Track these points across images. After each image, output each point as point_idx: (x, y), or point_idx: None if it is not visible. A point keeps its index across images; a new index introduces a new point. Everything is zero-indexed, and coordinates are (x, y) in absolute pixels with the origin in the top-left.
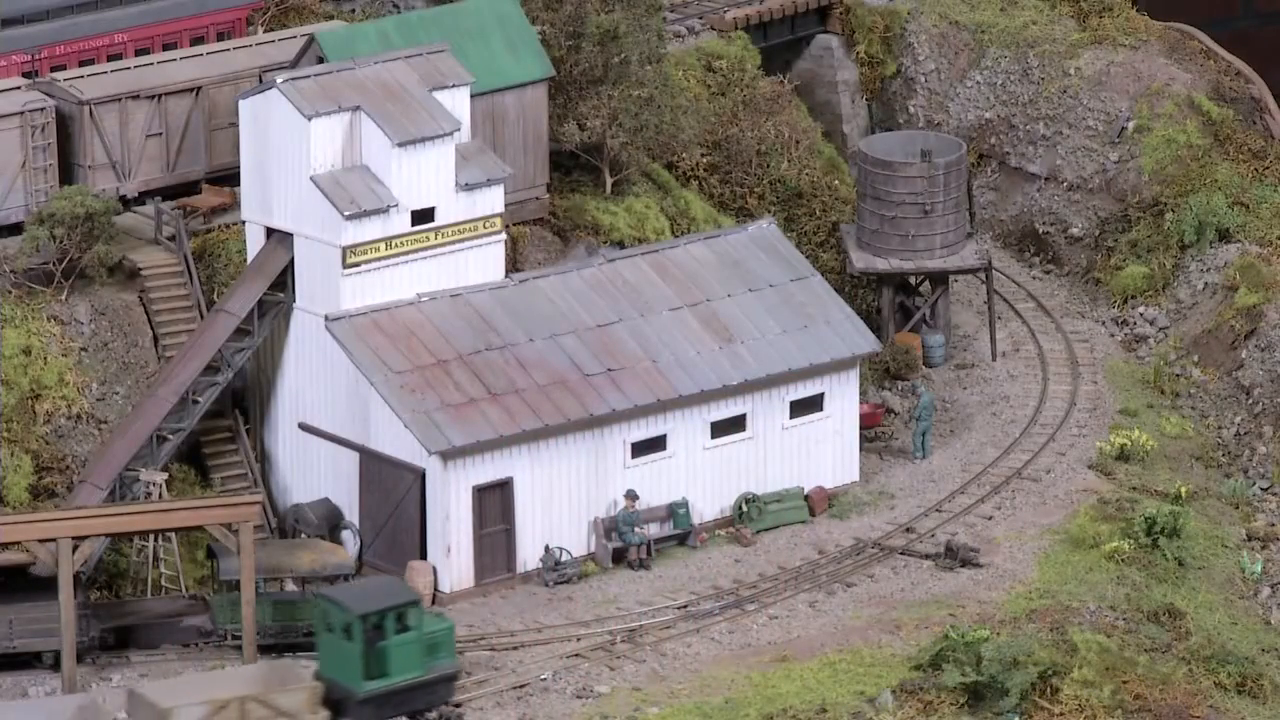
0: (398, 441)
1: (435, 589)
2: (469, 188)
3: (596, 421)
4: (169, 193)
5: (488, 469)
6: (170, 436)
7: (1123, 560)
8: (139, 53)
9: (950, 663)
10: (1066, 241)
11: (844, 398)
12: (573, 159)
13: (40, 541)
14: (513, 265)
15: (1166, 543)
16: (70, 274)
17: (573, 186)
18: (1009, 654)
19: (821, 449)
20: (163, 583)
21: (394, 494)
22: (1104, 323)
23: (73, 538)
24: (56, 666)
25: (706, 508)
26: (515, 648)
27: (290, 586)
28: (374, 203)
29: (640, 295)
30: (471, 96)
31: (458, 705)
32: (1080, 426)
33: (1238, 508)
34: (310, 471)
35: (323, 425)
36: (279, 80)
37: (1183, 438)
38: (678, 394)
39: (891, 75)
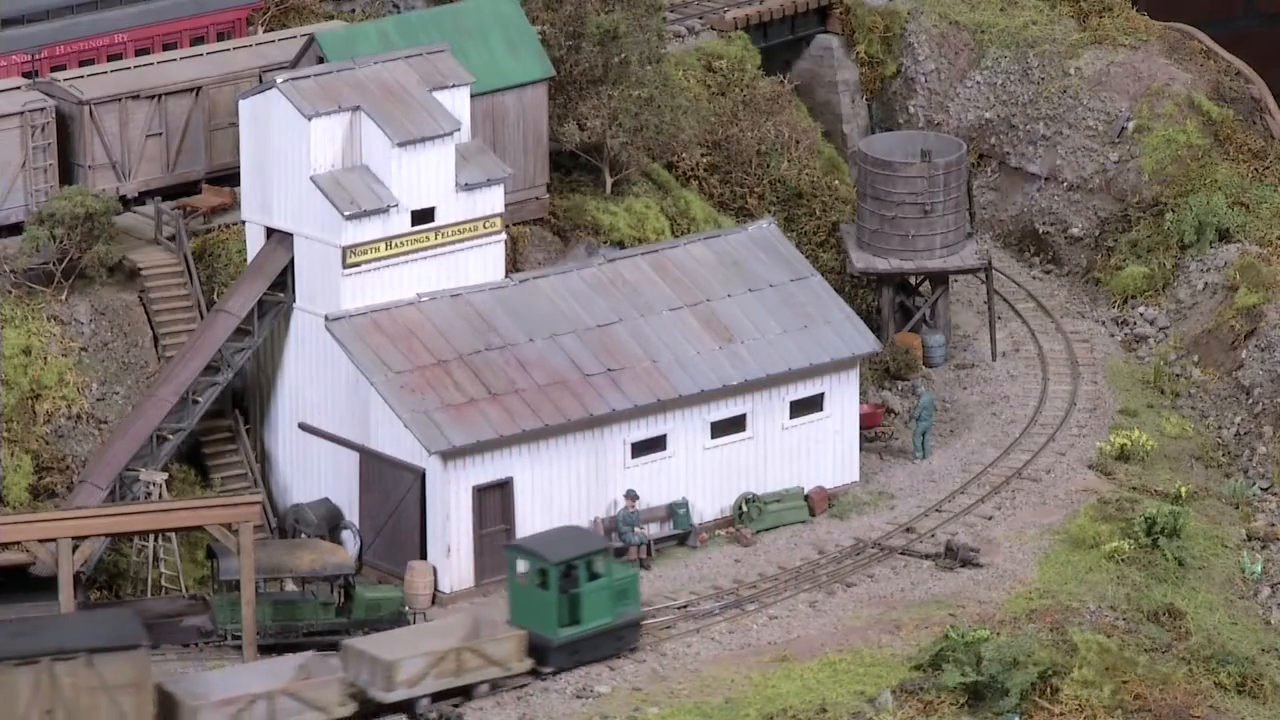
0: (398, 441)
1: (435, 589)
2: (469, 188)
3: (596, 421)
4: (169, 193)
5: (488, 469)
6: (170, 436)
7: (1123, 560)
8: (139, 53)
9: (950, 663)
10: (1066, 241)
11: (844, 398)
12: (573, 159)
13: (40, 541)
14: (513, 265)
15: (1166, 543)
16: (70, 274)
17: (573, 186)
18: (1009, 654)
19: (821, 449)
20: (163, 583)
21: (394, 494)
22: (1104, 323)
23: (73, 538)
24: None
25: (706, 508)
26: None
27: (290, 586)
28: (374, 203)
29: (640, 295)
30: (471, 96)
31: (457, 705)
32: (1080, 426)
33: (1238, 508)
34: (310, 471)
35: (323, 425)
36: (279, 80)
37: (1183, 438)
38: (678, 394)
39: (891, 75)
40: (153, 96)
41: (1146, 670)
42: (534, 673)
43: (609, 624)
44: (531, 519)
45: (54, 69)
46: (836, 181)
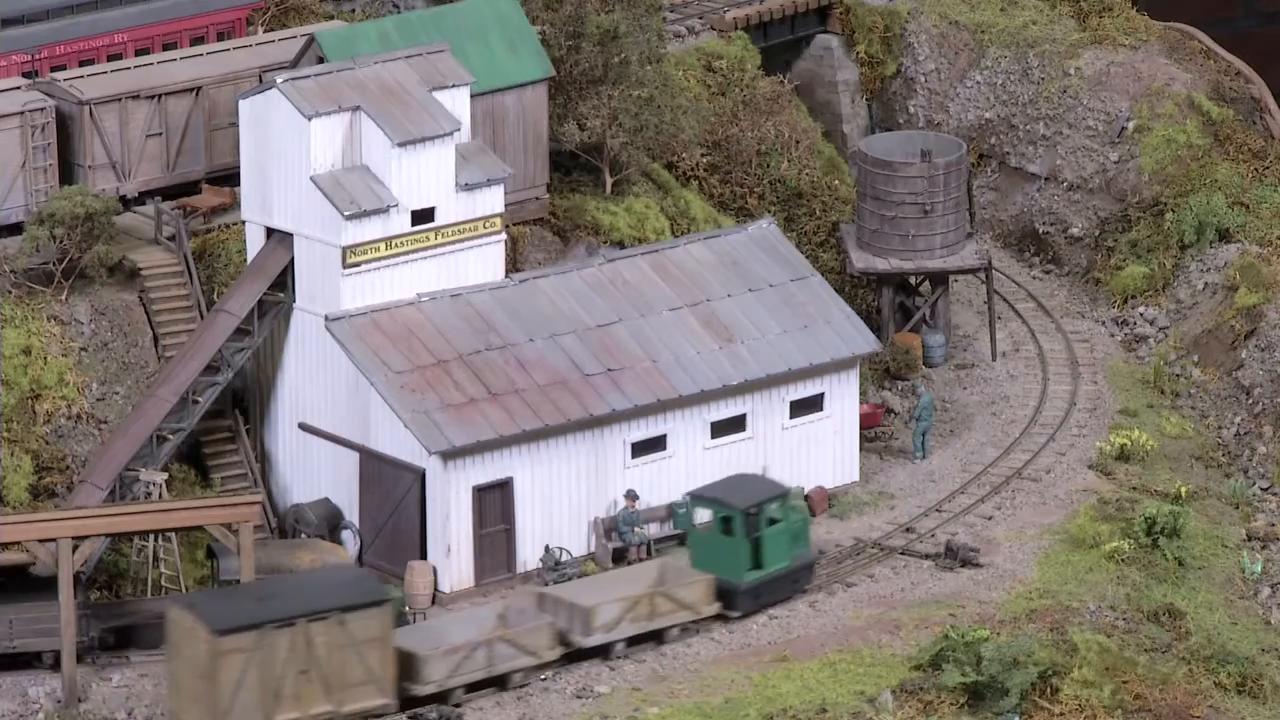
0: (398, 441)
1: (435, 589)
2: (469, 188)
3: (596, 421)
4: (169, 193)
5: (488, 469)
6: (170, 436)
7: (1123, 560)
8: (139, 53)
9: (950, 663)
10: (1066, 241)
11: (844, 398)
12: (573, 159)
13: (40, 541)
14: (513, 265)
15: (1166, 543)
16: (70, 274)
17: (573, 186)
18: (1009, 654)
19: (821, 449)
20: (163, 583)
21: (394, 494)
22: (1104, 323)
23: (73, 538)
24: (56, 666)
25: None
26: None
27: None
28: (374, 203)
29: (640, 295)
30: (471, 96)
31: (457, 705)
32: (1080, 426)
33: (1238, 508)
34: (310, 471)
35: (323, 425)
36: (279, 80)
37: (1183, 438)
38: (678, 394)
39: (891, 75)
40: (153, 96)
41: (1146, 670)
42: (720, 616)
43: (787, 567)
44: (531, 519)
45: (54, 69)
46: (836, 181)
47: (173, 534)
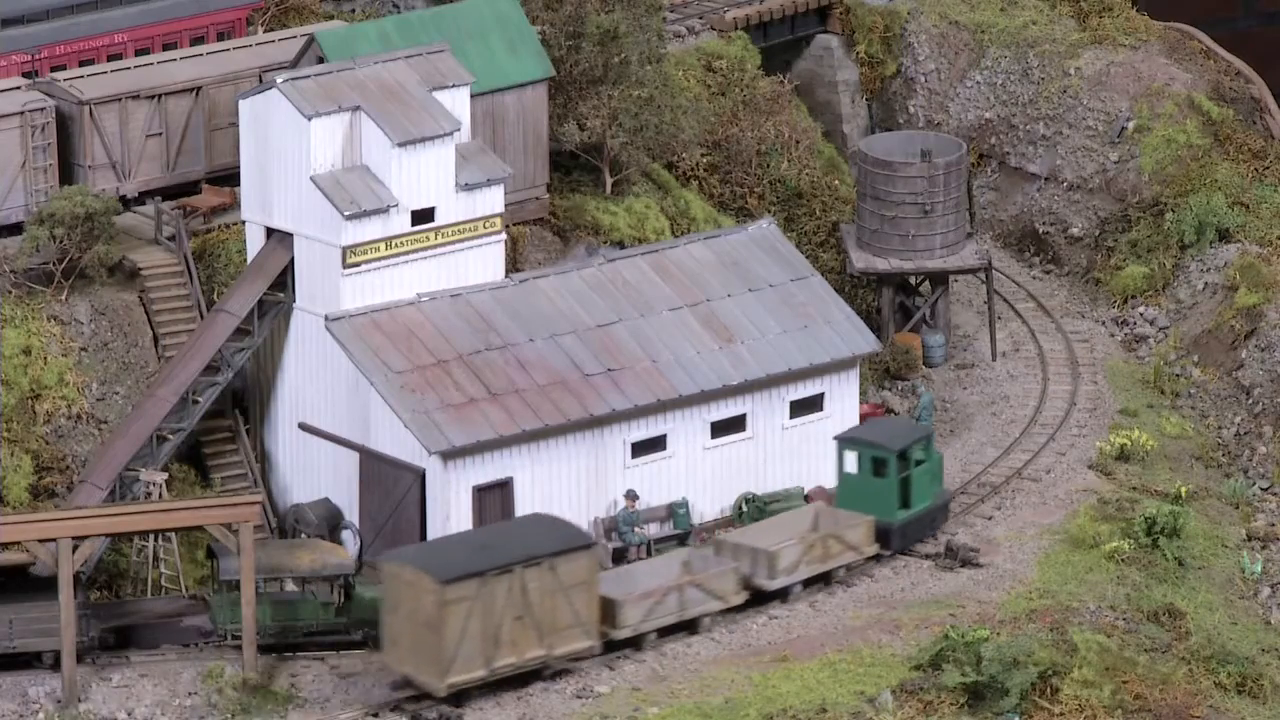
0: (398, 441)
1: None
2: (469, 188)
3: (596, 421)
4: (169, 193)
5: (488, 469)
6: (170, 436)
7: (1123, 560)
8: (139, 53)
9: (950, 663)
10: (1066, 241)
11: (844, 398)
12: (573, 159)
13: (40, 541)
14: (513, 265)
15: (1166, 543)
16: (70, 274)
17: (573, 186)
18: (1009, 654)
19: (821, 449)
20: (163, 583)
21: (394, 494)
22: (1104, 323)
23: (73, 538)
24: (56, 666)
25: (706, 508)
26: None
27: (290, 586)
28: (374, 203)
29: (640, 295)
30: (471, 96)
31: (457, 705)
32: (1080, 426)
33: (1238, 508)
34: (310, 471)
35: (323, 425)
36: (279, 80)
37: (1183, 438)
38: (678, 394)
39: (891, 75)
40: (153, 96)
41: (1146, 670)
42: (876, 557)
43: (930, 505)
44: None
45: (54, 69)
46: (836, 181)
47: (173, 534)
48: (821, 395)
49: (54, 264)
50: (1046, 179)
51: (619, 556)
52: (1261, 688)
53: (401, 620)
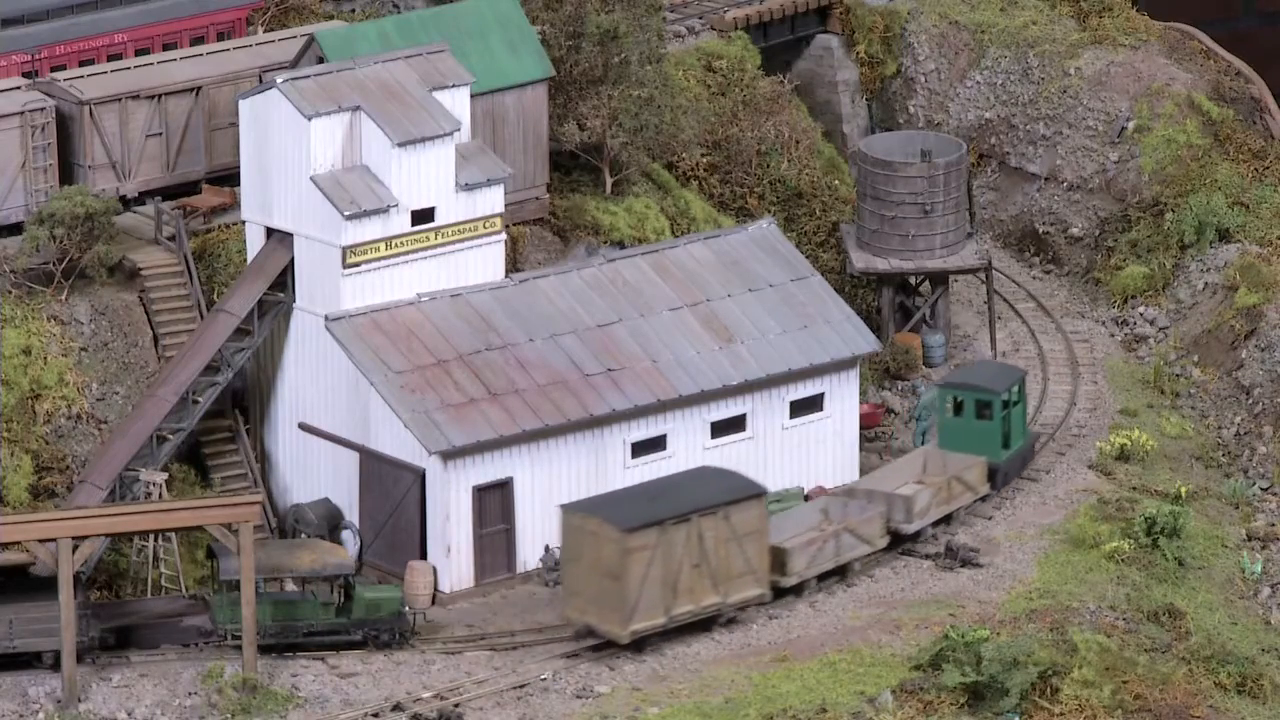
0: (398, 441)
1: (435, 589)
2: (469, 188)
3: (596, 421)
4: (169, 193)
5: (488, 469)
6: (170, 436)
7: (1123, 560)
8: (139, 53)
9: (950, 663)
10: (1066, 241)
11: (844, 398)
12: (573, 159)
13: (40, 541)
14: (513, 265)
15: (1166, 543)
16: (70, 274)
17: (573, 186)
18: (1009, 654)
19: (821, 449)
20: (163, 583)
21: (394, 494)
22: (1104, 323)
23: (73, 538)
24: (56, 666)
25: None
26: (515, 648)
27: (290, 586)
28: (374, 203)
29: (640, 295)
30: (471, 96)
31: (457, 705)
32: (1080, 426)
33: (1238, 508)
34: (310, 471)
35: (323, 425)
36: (279, 80)
37: (1183, 438)
38: (678, 394)
39: (891, 75)
40: (153, 96)
41: (1146, 670)
42: (984, 498)
43: (1022, 445)
44: (531, 519)
45: (54, 69)
46: (836, 181)
47: (173, 534)
48: (821, 395)
49: (54, 264)
50: (1046, 179)
51: None
52: (1261, 688)
53: (583, 571)
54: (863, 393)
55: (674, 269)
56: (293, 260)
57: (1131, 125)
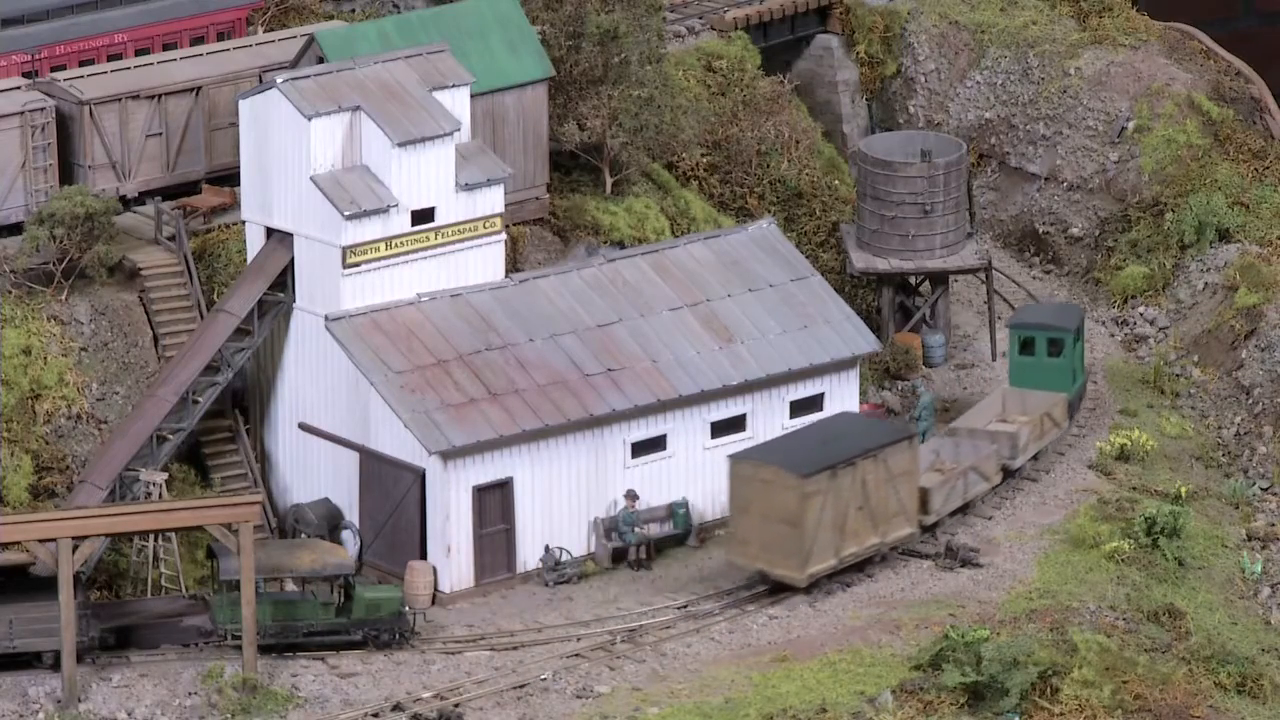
0: (398, 441)
1: (435, 589)
2: (469, 188)
3: (596, 421)
4: (169, 193)
5: (488, 469)
6: (170, 436)
7: (1123, 560)
8: (139, 53)
9: (950, 663)
10: (1066, 241)
11: (844, 398)
12: (573, 159)
13: (40, 541)
14: (513, 265)
15: (1166, 543)
16: (70, 274)
17: (573, 186)
18: (1009, 654)
19: None
20: (163, 583)
21: (394, 494)
22: (1104, 323)
23: (73, 538)
24: (56, 666)
25: (706, 508)
26: (515, 648)
27: (290, 586)
28: (374, 203)
29: (640, 295)
30: (471, 96)
31: (457, 705)
32: (1080, 426)
33: (1238, 508)
34: (310, 471)
35: (323, 425)
36: (279, 80)
37: (1183, 438)
38: (678, 394)
39: (891, 75)
40: (153, 96)
41: (1146, 670)
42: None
43: (1083, 381)
44: (531, 519)
45: (54, 69)
46: (836, 181)
47: (173, 534)
48: (821, 395)
49: (54, 264)
50: (1046, 179)
51: (619, 556)
52: (1261, 688)
53: (754, 519)
54: (863, 393)
55: (674, 269)
56: (293, 260)
57: (1131, 125)
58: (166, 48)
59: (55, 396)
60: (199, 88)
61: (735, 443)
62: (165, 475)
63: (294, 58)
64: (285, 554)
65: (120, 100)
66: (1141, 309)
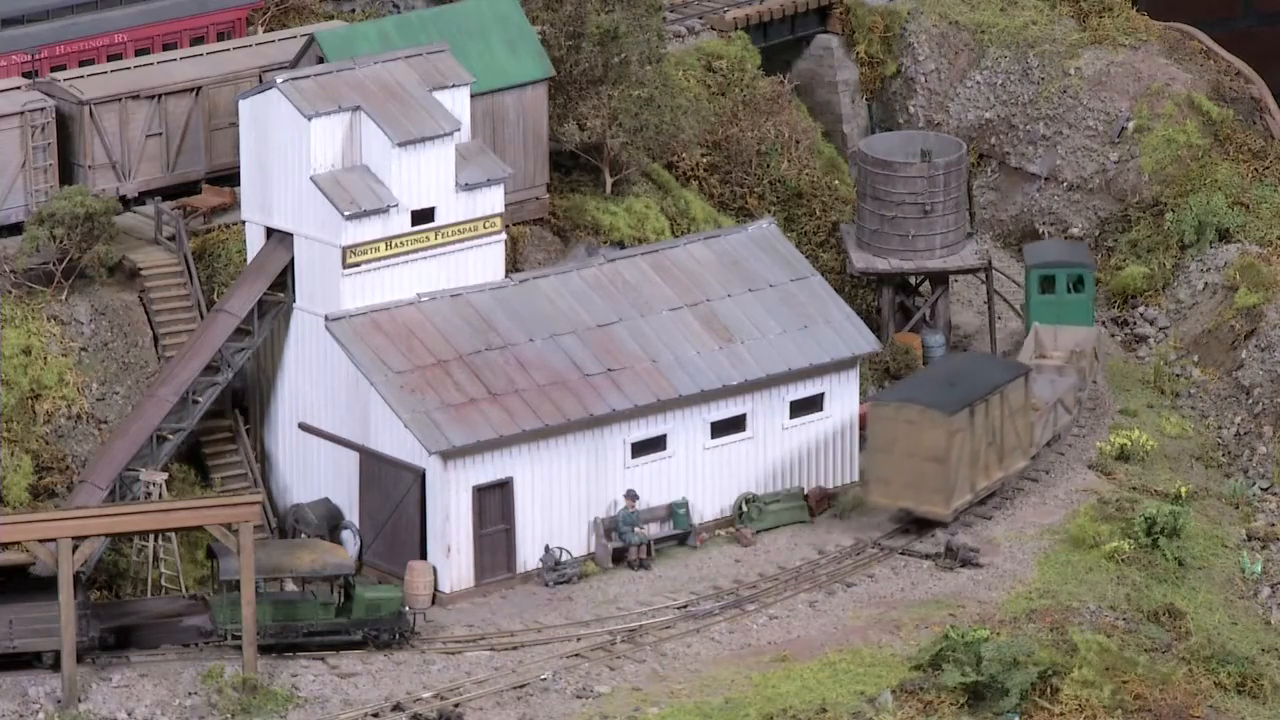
0: (398, 441)
1: (435, 589)
2: (469, 188)
3: (596, 421)
4: (169, 193)
5: (488, 469)
6: (170, 436)
7: (1123, 560)
8: (139, 53)
9: (950, 663)
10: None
11: (844, 398)
12: (573, 159)
13: (40, 541)
14: (513, 265)
15: (1166, 543)
16: (70, 274)
17: (573, 186)
18: (1009, 654)
19: (821, 449)
20: (163, 583)
21: (394, 494)
22: (1104, 323)
23: (73, 538)
24: (56, 666)
25: (706, 508)
26: (515, 648)
27: (290, 586)
28: (374, 203)
29: (640, 295)
30: (471, 96)
31: (457, 705)
32: (1080, 426)
33: (1238, 508)
34: (310, 471)
35: (323, 425)
36: (279, 80)
37: (1183, 438)
38: (678, 394)
39: (891, 75)
40: (153, 96)
41: (1146, 670)
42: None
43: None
44: (531, 519)
45: (54, 69)
46: (836, 181)
47: (173, 534)
48: (821, 395)
49: (54, 264)
50: (1046, 179)
51: (619, 556)
52: (1261, 688)
53: (895, 458)
54: (863, 393)
55: (674, 269)
56: (293, 260)
57: (1131, 125)
58: (166, 48)
59: (55, 396)
60: (199, 88)
61: (735, 443)
62: (165, 475)
63: (294, 58)
64: (285, 554)
65: (120, 100)
66: (1141, 309)
